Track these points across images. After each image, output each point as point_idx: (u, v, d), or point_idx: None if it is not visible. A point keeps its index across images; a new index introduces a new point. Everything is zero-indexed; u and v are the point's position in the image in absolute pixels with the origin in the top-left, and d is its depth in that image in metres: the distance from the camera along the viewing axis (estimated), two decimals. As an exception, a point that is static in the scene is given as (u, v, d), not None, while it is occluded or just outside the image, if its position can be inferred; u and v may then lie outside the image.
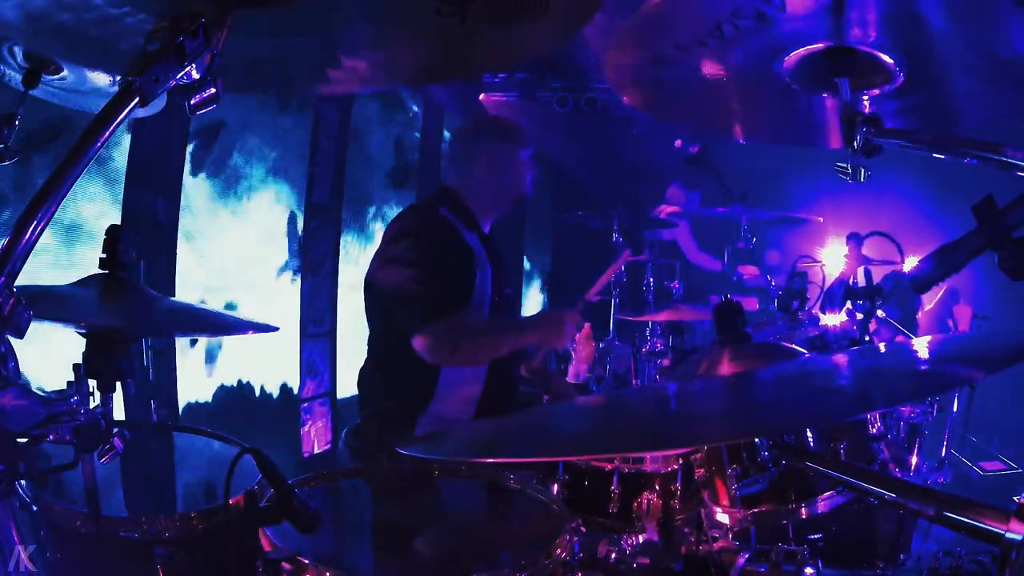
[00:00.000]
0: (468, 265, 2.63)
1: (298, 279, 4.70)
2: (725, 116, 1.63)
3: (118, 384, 1.29)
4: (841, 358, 1.53)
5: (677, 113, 1.66)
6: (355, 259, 5.29)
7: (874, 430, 1.82)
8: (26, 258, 0.78)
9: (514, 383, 2.89)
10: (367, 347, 2.83)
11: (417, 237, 2.64)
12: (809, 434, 1.68)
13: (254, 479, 1.39)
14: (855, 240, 2.98)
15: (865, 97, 1.33)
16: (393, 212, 5.56)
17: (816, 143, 1.61)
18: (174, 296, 3.59)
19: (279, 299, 4.60)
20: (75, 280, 1.52)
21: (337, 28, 1.16)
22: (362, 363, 2.84)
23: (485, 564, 1.42)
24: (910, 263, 2.64)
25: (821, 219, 4.83)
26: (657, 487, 2.12)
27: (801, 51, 1.26)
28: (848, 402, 1.15)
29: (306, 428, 4.77)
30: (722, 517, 1.63)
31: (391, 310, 2.65)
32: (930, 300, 5.36)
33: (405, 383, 2.64)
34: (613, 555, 2.06)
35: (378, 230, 5.40)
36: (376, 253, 2.78)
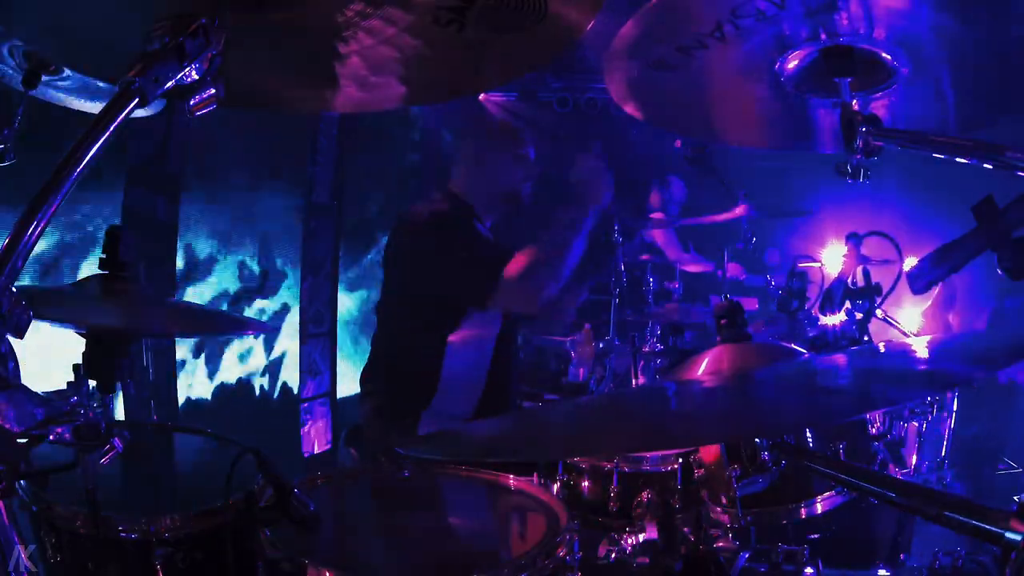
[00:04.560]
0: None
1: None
2: (724, 124, 1.63)
3: (118, 384, 1.29)
4: (841, 358, 1.53)
5: (677, 122, 1.66)
6: (355, 259, 5.29)
7: (874, 430, 1.82)
8: (26, 258, 0.78)
9: (514, 380, 2.89)
10: (371, 344, 2.84)
11: (449, 223, 2.72)
12: (809, 434, 1.68)
13: (254, 479, 1.38)
14: (854, 240, 2.97)
15: (866, 98, 1.32)
16: (393, 212, 5.56)
17: (815, 149, 1.60)
18: (174, 296, 3.59)
19: (279, 299, 4.60)
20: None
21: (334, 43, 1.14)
22: (364, 362, 2.85)
23: (485, 564, 1.42)
24: (910, 263, 2.63)
25: (815, 212, 4.82)
26: (657, 486, 2.12)
27: (801, 51, 1.26)
28: (848, 402, 1.15)
29: (306, 428, 4.77)
30: (722, 517, 1.62)
31: (451, 292, 2.65)
32: (927, 300, 5.34)
33: (407, 381, 2.65)
34: (613, 555, 2.06)
35: (378, 230, 5.39)
36: (405, 250, 2.78)
